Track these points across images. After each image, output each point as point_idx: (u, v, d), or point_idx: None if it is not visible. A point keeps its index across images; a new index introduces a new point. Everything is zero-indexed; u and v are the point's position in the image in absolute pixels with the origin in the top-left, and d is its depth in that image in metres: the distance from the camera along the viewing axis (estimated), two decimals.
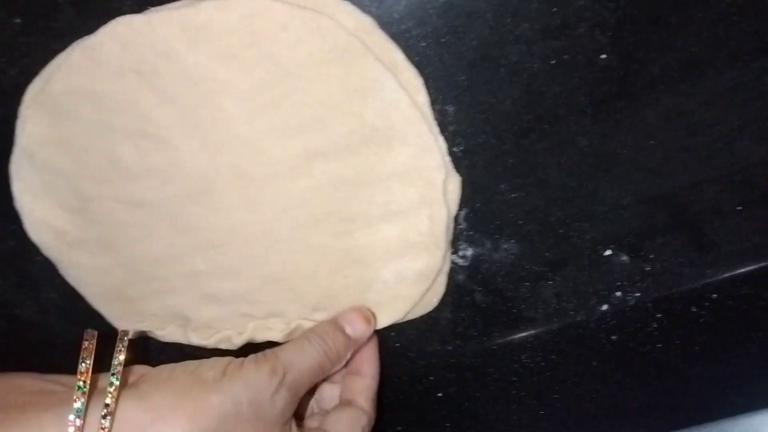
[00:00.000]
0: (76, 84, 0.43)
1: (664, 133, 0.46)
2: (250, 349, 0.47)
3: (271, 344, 0.48)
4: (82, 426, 0.38)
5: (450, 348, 0.53)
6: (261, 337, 0.50)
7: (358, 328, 0.47)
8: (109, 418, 0.38)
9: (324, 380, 0.49)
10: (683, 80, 0.44)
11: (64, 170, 0.46)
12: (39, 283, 0.52)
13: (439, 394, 0.56)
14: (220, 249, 0.48)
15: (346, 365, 0.48)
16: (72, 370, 0.40)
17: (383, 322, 0.49)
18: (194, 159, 0.45)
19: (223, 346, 0.51)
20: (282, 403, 0.41)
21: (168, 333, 0.51)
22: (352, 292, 0.49)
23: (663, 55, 0.44)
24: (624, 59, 0.44)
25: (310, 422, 0.49)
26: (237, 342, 0.51)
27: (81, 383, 0.39)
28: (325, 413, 0.48)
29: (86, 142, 0.45)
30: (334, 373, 0.47)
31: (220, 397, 0.39)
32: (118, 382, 0.39)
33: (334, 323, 0.47)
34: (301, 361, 0.43)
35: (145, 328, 0.51)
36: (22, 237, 0.48)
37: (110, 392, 0.38)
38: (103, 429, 0.37)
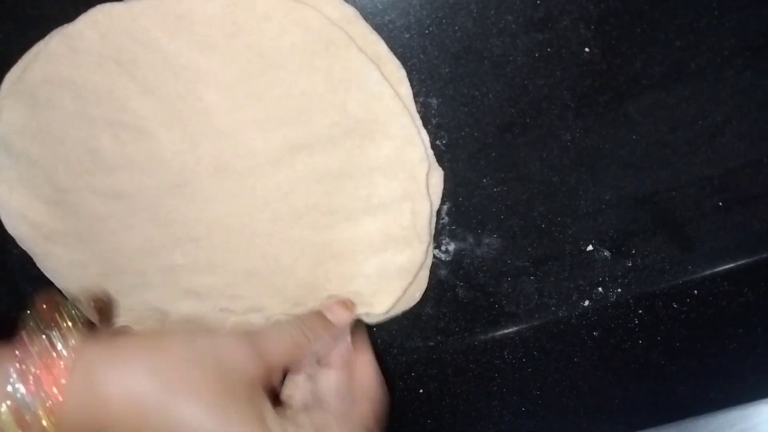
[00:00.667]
0: (55, 73, 0.43)
1: (646, 129, 0.46)
2: None
3: None
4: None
5: (432, 344, 0.53)
6: None
7: (337, 313, 0.47)
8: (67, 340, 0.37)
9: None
10: (666, 75, 0.45)
11: (41, 161, 0.45)
12: (15, 276, 0.52)
13: (420, 391, 0.55)
14: (199, 243, 0.47)
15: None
16: None
17: (366, 318, 0.49)
18: (174, 150, 0.44)
19: None
20: (252, 367, 0.40)
21: (146, 329, 0.51)
22: (334, 286, 0.48)
23: (646, 49, 0.44)
24: (607, 53, 0.44)
25: None
26: None
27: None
28: None
29: (64, 132, 0.44)
30: (316, 356, 0.46)
31: (181, 345, 0.39)
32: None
33: (313, 311, 0.47)
34: (275, 333, 0.42)
35: (122, 324, 0.50)
36: None
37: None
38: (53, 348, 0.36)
